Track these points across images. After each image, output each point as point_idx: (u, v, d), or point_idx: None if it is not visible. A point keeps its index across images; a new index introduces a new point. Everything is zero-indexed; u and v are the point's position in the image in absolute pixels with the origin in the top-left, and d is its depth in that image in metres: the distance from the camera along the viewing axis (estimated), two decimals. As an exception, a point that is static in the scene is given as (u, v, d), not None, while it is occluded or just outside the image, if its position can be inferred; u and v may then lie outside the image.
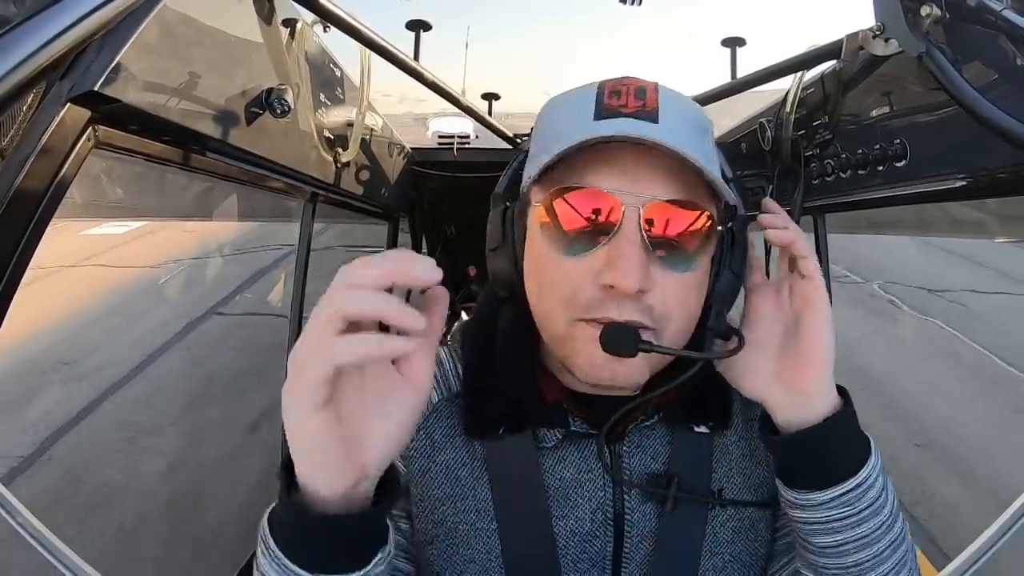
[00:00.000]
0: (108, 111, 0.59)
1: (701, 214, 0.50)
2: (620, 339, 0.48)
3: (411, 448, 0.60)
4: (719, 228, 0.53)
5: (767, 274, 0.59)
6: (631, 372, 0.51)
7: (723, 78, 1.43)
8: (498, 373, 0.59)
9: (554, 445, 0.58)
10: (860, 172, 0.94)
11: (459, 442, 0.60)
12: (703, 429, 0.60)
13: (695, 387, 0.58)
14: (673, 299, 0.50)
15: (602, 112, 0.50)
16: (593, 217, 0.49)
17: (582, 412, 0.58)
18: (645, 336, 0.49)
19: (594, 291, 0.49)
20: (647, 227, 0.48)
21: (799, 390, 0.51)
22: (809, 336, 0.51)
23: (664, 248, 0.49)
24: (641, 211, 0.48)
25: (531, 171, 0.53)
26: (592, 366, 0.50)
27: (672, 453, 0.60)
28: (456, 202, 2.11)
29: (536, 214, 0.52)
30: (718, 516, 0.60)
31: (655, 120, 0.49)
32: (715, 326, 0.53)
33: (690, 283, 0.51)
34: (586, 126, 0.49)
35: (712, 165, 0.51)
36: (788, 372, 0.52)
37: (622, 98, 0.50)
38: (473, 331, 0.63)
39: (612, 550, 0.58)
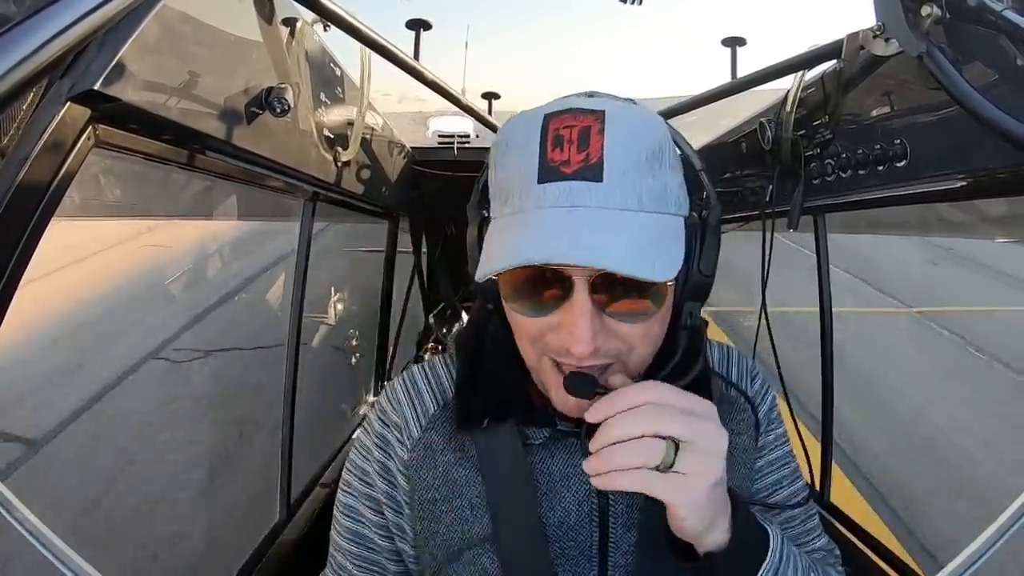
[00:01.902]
0: (108, 110, 0.59)
1: (648, 284, 0.49)
2: (581, 386, 0.52)
3: (411, 458, 0.64)
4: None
5: (766, 274, 0.60)
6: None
7: (723, 78, 1.43)
8: (487, 373, 0.63)
9: (542, 443, 0.62)
10: (860, 172, 0.94)
11: (454, 446, 0.64)
12: None
13: (676, 379, 0.60)
14: (633, 339, 0.52)
15: (545, 170, 0.50)
16: (543, 288, 0.51)
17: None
18: (611, 370, 0.53)
19: (556, 341, 0.52)
20: (596, 294, 0.50)
21: (680, 533, 0.51)
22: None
23: (616, 306, 0.51)
24: (588, 281, 0.49)
25: (495, 211, 0.55)
26: (560, 402, 0.55)
27: None
28: (456, 201, 2.09)
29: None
30: None
31: (599, 176, 0.48)
32: (689, 325, 0.56)
33: (652, 322, 0.52)
34: (528, 191, 0.50)
35: (665, 194, 0.51)
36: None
37: (564, 150, 0.49)
38: (465, 337, 0.67)
39: (598, 540, 0.61)
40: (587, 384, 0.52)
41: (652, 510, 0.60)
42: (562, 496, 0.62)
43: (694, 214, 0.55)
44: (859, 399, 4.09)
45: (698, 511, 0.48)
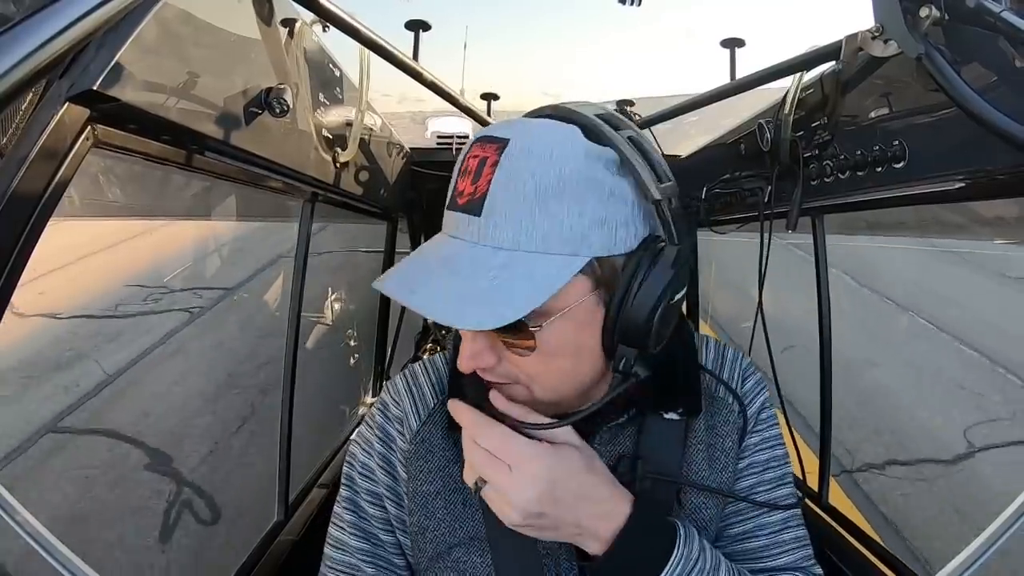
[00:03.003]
0: (107, 110, 0.59)
1: (514, 324, 0.49)
2: (475, 390, 0.59)
3: (410, 450, 0.66)
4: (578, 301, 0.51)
5: (764, 274, 0.60)
6: (517, 416, 0.57)
7: (722, 78, 1.43)
8: (474, 374, 0.63)
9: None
10: (859, 173, 0.94)
11: (450, 442, 0.65)
12: (673, 416, 0.64)
13: (665, 375, 0.62)
14: (527, 369, 0.54)
15: (451, 197, 0.53)
16: None
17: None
18: (521, 389, 0.56)
19: None
20: None
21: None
22: None
23: (502, 337, 0.53)
24: None
25: None
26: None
27: (641, 443, 0.63)
28: None
29: None
30: (691, 500, 0.64)
31: (478, 211, 0.49)
32: (621, 368, 0.54)
33: (543, 356, 0.52)
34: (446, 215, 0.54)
35: (555, 232, 0.48)
36: None
37: (465, 179, 0.51)
38: (456, 336, 0.68)
39: None
40: (479, 390, 0.58)
41: (640, 503, 0.62)
42: None
43: (651, 242, 0.51)
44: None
45: (522, 530, 0.55)
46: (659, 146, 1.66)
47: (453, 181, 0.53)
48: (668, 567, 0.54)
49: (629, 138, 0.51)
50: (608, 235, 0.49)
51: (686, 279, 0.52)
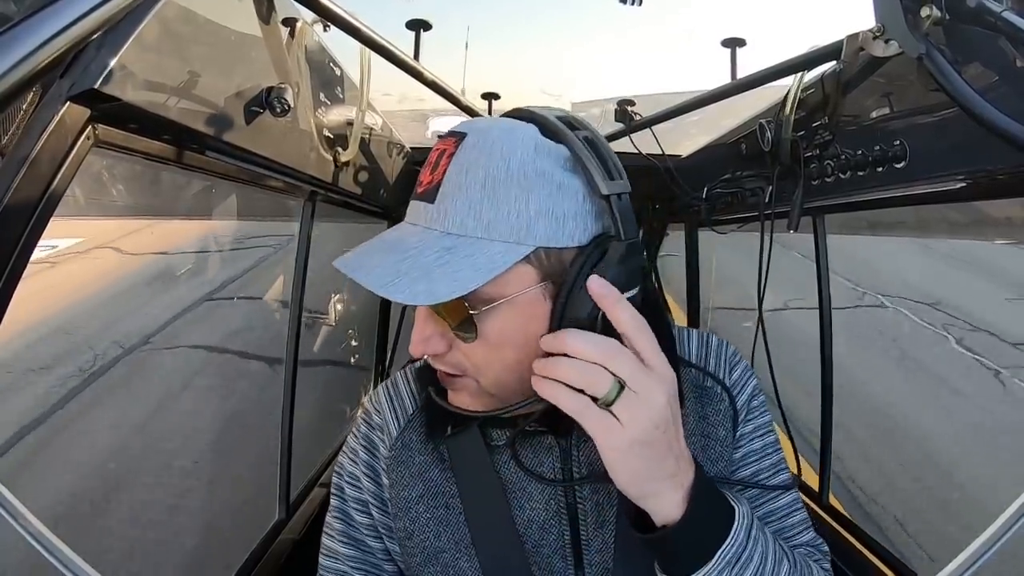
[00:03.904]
0: (108, 110, 0.59)
1: (458, 305, 0.50)
2: (425, 378, 0.62)
3: (390, 455, 0.67)
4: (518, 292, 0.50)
5: (765, 276, 0.60)
6: (461, 405, 0.58)
7: (723, 78, 1.43)
8: None
9: (505, 443, 0.64)
10: (860, 173, 0.94)
11: (430, 447, 0.66)
12: None
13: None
14: (474, 358, 0.54)
15: (415, 188, 0.54)
16: None
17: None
18: (469, 381, 0.56)
19: None
20: (429, 307, 0.53)
21: (626, 492, 0.51)
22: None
23: (449, 321, 0.53)
24: None
25: None
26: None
27: None
28: None
29: None
30: None
31: (432, 198, 0.51)
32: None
33: (489, 344, 0.52)
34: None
35: (501, 221, 0.49)
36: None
37: (426, 170, 0.53)
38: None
39: (570, 537, 0.63)
40: (430, 378, 0.59)
41: (629, 507, 0.59)
42: (530, 495, 0.63)
43: (603, 240, 0.51)
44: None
45: (625, 462, 0.49)
46: (660, 145, 1.66)
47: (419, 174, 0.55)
48: (731, 535, 0.52)
49: (584, 138, 0.52)
50: (555, 227, 0.50)
51: (637, 277, 0.52)
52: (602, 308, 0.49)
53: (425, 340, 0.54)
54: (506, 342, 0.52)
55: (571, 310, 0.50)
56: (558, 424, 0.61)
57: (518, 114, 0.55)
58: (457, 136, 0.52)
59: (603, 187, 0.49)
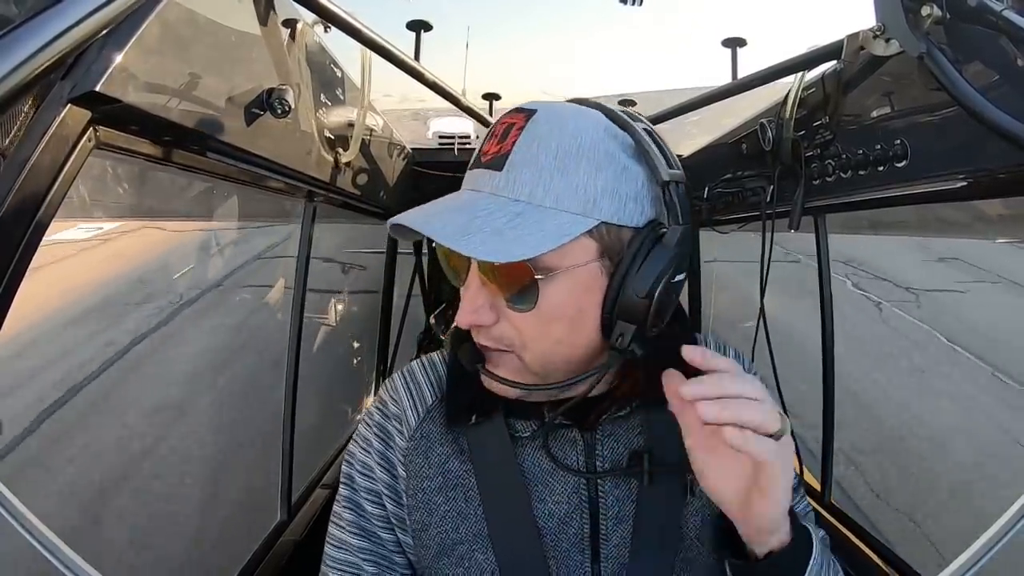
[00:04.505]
0: (109, 111, 0.59)
1: (521, 271, 0.51)
2: (469, 355, 0.58)
3: (408, 447, 0.66)
4: (577, 265, 0.52)
5: (765, 278, 0.60)
6: (499, 387, 0.58)
7: (724, 78, 1.43)
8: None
9: (530, 436, 0.64)
10: (861, 173, 0.94)
11: (449, 438, 0.66)
12: None
13: (667, 367, 0.60)
14: (524, 330, 0.54)
15: (476, 158, 0.56)
16: (460, 263, 0.56)
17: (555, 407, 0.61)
18: (511, 357, 0.56)
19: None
20: (485, 276, 0.53)
21: (756, 523, 0.52)
22: (764, 487, 0.50)
23: (506, 290, 0.53)
24: (474, 263, 0.54)
25: None
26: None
27: (646, 436, 0.64)
28: None
29: None
30: (701, 496, 0.63)
31: (501, 166, 0.52)
32: (617, 344, 0.54)
33: (542, 316, 0.53)
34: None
35: (569, 194, 0.51)
36: (750, 500, 0.52)
37: (491, 142, 0.55)
38: (455, 333, 0.68)
39: (589, 531, 0.62)
40: (474, 355, 0.58)
41: (647, 503, 0.62)
42: (552, 488, 0.63)
43: (656, 225, 0.53)
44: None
45: (785, 492, 0.50)
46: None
47: (480, 146, 0.57)
48: (812, 559, 0.53)
49: (644, 129, 0.54)
50: (618, 205, 0.52)
51: (686, 263, 0.55)
52: (704, 368, 0.50)
53: (476, 310, 0.54)
54: (559, 315, 0.53)
55: (627, 290, 0.52)
56: (585, 418, 0.62)
57: (584, 102, 0.57)
58: (526, 112, 0.54)
59: (664, 174, 0.52)
